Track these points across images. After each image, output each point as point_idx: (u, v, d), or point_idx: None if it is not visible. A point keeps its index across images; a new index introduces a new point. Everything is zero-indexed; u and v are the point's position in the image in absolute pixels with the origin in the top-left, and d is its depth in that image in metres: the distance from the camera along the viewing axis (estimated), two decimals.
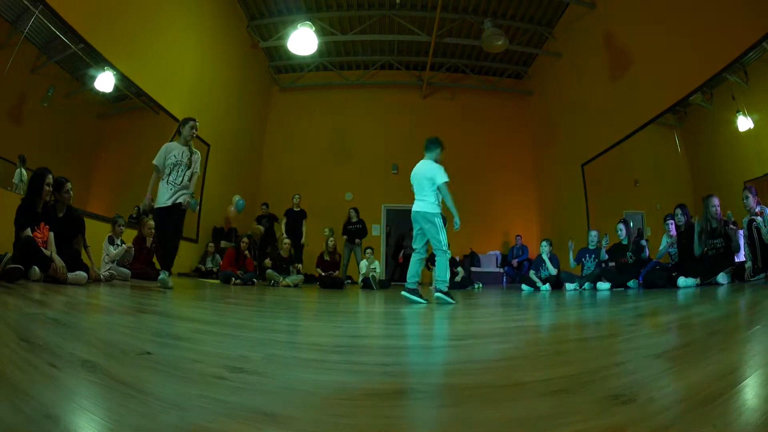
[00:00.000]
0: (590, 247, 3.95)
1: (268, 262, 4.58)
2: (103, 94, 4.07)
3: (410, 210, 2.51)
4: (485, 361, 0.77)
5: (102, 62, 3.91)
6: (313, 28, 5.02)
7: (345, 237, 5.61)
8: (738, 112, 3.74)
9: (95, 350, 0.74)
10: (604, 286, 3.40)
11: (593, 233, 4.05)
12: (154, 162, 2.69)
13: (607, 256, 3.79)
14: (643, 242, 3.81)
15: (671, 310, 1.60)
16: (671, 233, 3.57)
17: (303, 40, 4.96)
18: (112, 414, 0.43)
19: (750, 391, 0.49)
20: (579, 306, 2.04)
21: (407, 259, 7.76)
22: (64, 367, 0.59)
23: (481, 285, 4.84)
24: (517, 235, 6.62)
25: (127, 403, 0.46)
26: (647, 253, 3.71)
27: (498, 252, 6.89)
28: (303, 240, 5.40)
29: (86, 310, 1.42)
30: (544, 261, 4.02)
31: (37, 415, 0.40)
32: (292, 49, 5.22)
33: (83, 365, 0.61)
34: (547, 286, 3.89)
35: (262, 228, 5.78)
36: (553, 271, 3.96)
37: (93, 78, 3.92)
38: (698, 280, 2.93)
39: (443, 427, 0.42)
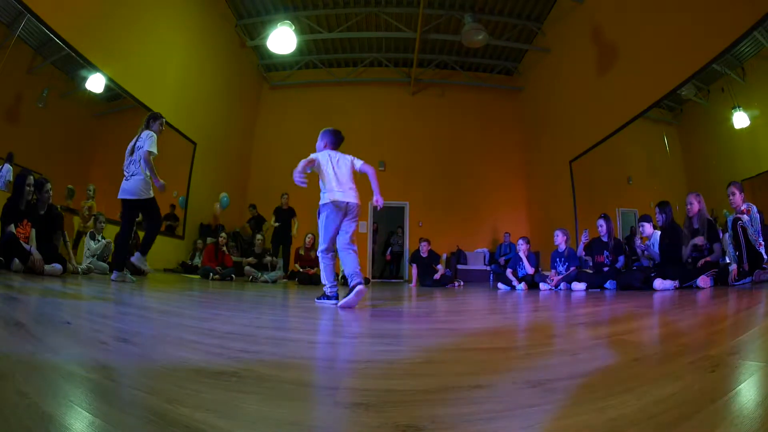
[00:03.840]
0: (559, 250, 3.77)
1: (250, 260, 4.60)
2: (97, 94, 4.13)
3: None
4: (338, 361, 0.75)
5: (90, 65, 3.94)
6: (293, 27, 5.02)
7: None
8: (734, 108, 3.61)
9: (30, 317, 0.96)
10: (579, 286, 3.27)
11: (558, 234, 3.76)
12: (156, 151, 2.74)
13: (584, 253, 3.63)
14: (638, 241, 3.47)
15: (624, 320, 1.48)
16: (644, 234, 3.41)
17: (282, 39, 4.98)
18: (12, 351, 0.63)
19: None
20: (530, 309, 1.95)
21: (395, 256, 7.72)
22: (0, 323, 0.83)
23: (462, 283, 4.75)
24: (506, 233, 6.51)
25: (25, 345, 0.67)
26: (640, 248, 3.39)
27: (486, 250, 6.80)
28: (293, 232, 5.36)
29: (45, 293, 1.56)
30: (521, 259, 3.90)
31: None
32: (272, 48, 5.23)
33: (15, 324, 0.83)
34: (523, 285, 3.77)
35: (249, 230, 5.81)
36: (530, 270, 3.84)
37: (86, 79, 3.98)
38: (677, 283, 2.79)
39: (219, 405, 0.46)
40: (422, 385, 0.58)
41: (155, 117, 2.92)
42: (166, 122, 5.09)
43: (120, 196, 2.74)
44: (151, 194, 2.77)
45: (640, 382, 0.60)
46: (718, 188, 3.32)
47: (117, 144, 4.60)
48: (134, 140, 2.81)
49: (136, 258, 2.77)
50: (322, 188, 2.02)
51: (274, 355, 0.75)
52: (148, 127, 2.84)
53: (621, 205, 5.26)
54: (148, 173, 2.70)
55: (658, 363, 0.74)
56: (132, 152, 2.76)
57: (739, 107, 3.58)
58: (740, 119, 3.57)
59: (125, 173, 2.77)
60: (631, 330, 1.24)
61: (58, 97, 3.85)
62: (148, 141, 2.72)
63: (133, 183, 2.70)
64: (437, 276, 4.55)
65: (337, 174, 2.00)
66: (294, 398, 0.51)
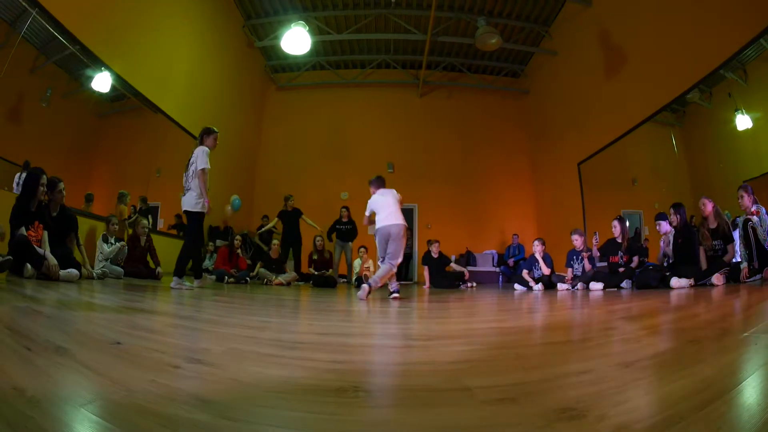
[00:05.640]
0: (576, 251, 3.85)
1: (259, 265, 4.60)
2: (101, 94, 4.09)
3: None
4: (439, 363, 0.74)
5: (98, 62, 3.92)
6: (307, 28, 5.03)
7: (334, 235, 5.53)
8: (737, 110, 3.70)
9: (70, 339, 0.81)
10: (596, 286, 3.35)
11: (575, 236, 3.88)
12: (208, 166, 2.85)
13: (599, 253, 3.71)
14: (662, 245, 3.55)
15: (657, 313, 1.56)
16: (661, 232, 3.51)
17: (296, 40, 4.98)
18: (69, 390, 0.50)
19: (725, 411, 0.43)
20: (564, 307, 2.01)
21: (405, 258, 7.78)
22: (39, 350, 0.67)
23: (474, 284, 4.81)
24: (514, 234, 6.58)
25: (85, 383, 0.53)
26: (664, 250, 3.48)
27: (494, 251, 6.86)
28: (311, 223, 5.27)
29: (71, 304, 1.45)
30: (537, 261, 3.98)
31: (6, 386, 0.48)
32: (285, 49, 5.23)
33: (56, 350, 0.68)
34: (540, 286, 3.84)
35: (257, 239, 5.81)
36: (546, 270, 3.92)
37: (90, 78, 3.94)
38: (692, 281, 2.88)
39: (364, 427, 0.42)
40: (536, 376, 0.63)
41: (209, 131, 2.97)
42: (175, 122, 5.15)
43: (183, 208, 2.91)
44: (201, 210, 2.88)
45: (705, 356, 0.73)
46: (721, 189, 3.43)
47: (120, 145, 4.61)
48: (191, 156, 2.91)
49: (173, 283, 2.79)
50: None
51: (370, 364, 0.74)
52: (202, 142, 2.93)
53: (626, 207, 5.35)
54: (200, 189, 2.85)
55: (710, 342, 0.87)
56: (187, 168, 2.89)
57: (740, 110, 3.68)
58: (743, 121, 3.67)
59: (184, 188, 2.91)
60: (670, 321, 1.34)
61: (61, 97, 3.81)
62: (200, 158, 2.82)
63: (188, 196, 2.86)
64: (456, 268, 4.65)
65: None
66: (438, 404, 0.49)
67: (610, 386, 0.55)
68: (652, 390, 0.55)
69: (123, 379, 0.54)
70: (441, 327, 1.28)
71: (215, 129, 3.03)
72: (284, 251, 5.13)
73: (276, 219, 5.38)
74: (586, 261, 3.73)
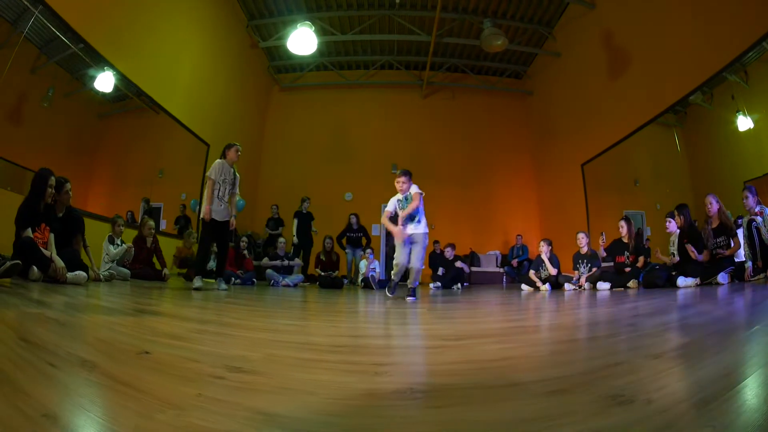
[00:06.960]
0: (581, 252, 3.89)
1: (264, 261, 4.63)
2: (103, 94, 4.07)
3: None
4: (480, 361, 0.75)
5: (101, 62, 3.91)
6: (313, 28, 5.03)
7: (345, 241, 5.57)
8: (738, 111, 3.74)
9: (94, 350, 0.75)
10: (603, 286, 3.39)
11: (580, 236, 3.93)
12: (212, 176, 3.00)
13: (605, 254, 3.75)
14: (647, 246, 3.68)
15: (670, 311, 1.59)
16: (670, 231, 3.56)
17: (303, 40, 4.97)
18: (110, 413, 0.43)
19: (749, 391, 0.49)
20: (577, 306, 2.04)
21: None
22: (63, 366, 0.60)
23: (460, 285, 4.82)
24: (518, 235, 6.62)
25: (126, 402, 0.46)
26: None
27: (498, 252, 6.89)
28: (314, 230, 5.48)
29: (85, 309, 1.41)
30: (543, 261, 4.01)
31: (35, 413, 0.40)
32: (291, 49, 5.22)
33: (82, 364, 0.61)
34: (547, 286, 3.88)
35: (266, 233, 5.83)
36: (553, 271, 3.95)
37: (93, 78, 3.92)
38: (698, 280, 2.93)
39: (439, 427, 0.42)
40: (576, 369, 0.66)
41: (228, 145, 3.17)
42: (179, 122, 5.15)
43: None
44: (226, 218, 3.06)
45: (727, 345, 0.79)
46: (721, 190, 3.47)
47: (122, 146, 4.61)
48: None
49: (218, 285, 3.08)
50: (424, 220, 2.80)
51: (414, 365, 0.75)
52: (224, 156, 3.12)
53: (628, 207, 5.39)
54: (226, 198, 3.05)
55: (729, 334, 0.92)
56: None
57: (741, 111, 3.72)
58: (744, 122, 3.71)
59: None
60: (684, 317, 1.39)
61: (62, 97, 3.78)
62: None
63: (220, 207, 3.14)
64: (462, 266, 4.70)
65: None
66: (495, 400, 0.50)
67: (647, 375, 0.60)
68: (685, 377, 0.60)
69: (166, 396, 0.48)
70: (467, 327, 1.30)
71: (235, 142, 3.20)
72: (295, 252, 5.17)
73: (294, 220, 5.43)
74: (585, 273, 3.78)
